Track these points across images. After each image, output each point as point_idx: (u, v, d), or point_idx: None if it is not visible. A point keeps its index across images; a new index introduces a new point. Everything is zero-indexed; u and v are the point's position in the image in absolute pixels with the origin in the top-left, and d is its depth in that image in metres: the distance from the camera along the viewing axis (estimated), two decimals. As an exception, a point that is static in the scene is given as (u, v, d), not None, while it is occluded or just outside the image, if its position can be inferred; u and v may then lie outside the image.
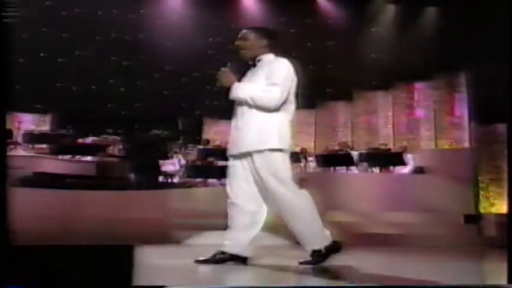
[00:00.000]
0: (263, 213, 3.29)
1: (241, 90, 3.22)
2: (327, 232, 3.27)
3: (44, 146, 8.17)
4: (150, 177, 6.97)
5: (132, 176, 6.91)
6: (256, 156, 3.15)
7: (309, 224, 3.21)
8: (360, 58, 12.16)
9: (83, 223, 5.32)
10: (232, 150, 3.31)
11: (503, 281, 2.26)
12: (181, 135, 11.63)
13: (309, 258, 3.18)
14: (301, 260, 3.20)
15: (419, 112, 11.25)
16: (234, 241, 3.23)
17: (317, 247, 3.19)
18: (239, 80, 3.31)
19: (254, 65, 3.35)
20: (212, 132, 12.11)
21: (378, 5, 12.27)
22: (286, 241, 4.27)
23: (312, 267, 3.13)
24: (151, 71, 12.49)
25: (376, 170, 7.84)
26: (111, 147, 8.47)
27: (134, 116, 11.66)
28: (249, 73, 3.36)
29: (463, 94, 10.02)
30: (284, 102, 3.20)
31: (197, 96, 12.38)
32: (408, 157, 7.25)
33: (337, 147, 10.03)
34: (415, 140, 10.85)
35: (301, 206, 3.21)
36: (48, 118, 11.44)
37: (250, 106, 3.18)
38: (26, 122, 11.17)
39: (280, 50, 3.42)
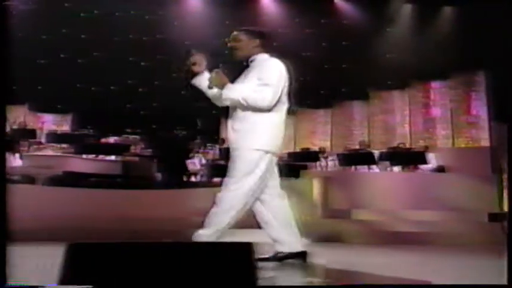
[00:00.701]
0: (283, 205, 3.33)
1: (233, 91, 3.20)
2: (299, 239, 3.29)
3: (66, 145, 8.31)
4: (176, 176, 7.06)
5: (159, 175, 7.02)
6: (240, 154, 3.18)
7: (284, 225, 3.24)
8: (375, 57, 12.21)
9: (112, 221, 5.41)
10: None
11: (504, 280, 2.27)
12: (200, 134, 11.76)
13: (269, 255, 3.23)
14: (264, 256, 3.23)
15: (436, 111, 11.29)
16: (283, 240, 3.25)
17: (284, 249, 3.23)
18: (232, 81, 3.30)
19: (247, 66, 3.33)
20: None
21: (394, 5, 12.31)
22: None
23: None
24: (169, 71, 12.62)
25: (396, 169, 7.91)
26: (133, 147, 8.58)
27: (152, 116, 11.80)
28: (243, 74, 3.33)
29: (480, 93, 10.05)
30: (277, 103, 3.21)
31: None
32: (430, 156, 7.30)
33: (355, 147, 10.10)
34: (431, 138, 10.90)
35: (279, 208, 3.26)
36: (68, 118, 11.61)
37: (243, 107, 3.18)
38: (47, 122, 11.34)
39: (273, 50, 3.43)
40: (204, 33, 12.65)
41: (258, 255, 3.11)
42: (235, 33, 3.37)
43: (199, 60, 3.32)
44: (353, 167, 7.45)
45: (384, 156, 7.35)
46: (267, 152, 3.19)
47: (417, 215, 6.03)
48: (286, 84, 3.29)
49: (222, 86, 3.22)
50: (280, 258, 3.22)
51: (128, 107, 12.17)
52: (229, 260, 1.59)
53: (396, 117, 11.49)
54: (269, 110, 3.17)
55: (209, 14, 12.72)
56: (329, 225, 5.72)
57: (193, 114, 12.08)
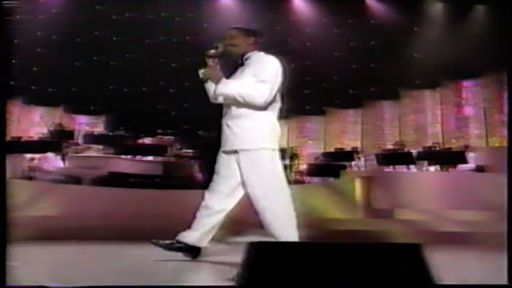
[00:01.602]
0: (225, 213, 3.35)
1: (228, 86, 3.21)
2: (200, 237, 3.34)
3: (101, 146, 8.45)
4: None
5: (200, 175, 7.11)
6: (242, 155, 3.18)
7: (286, 221, 3.23)
8: (405, 57, 12.14)
9: (159, 221, 5.51)
10: (224, 147, 3.33)
11: (504, 280, 2.27)
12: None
13: (165, 242, 3.32)
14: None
15: (469, 110, 11.23)
16: (192, 232, 3.32)
17: (183, 240, 3.32)
18: (228, 78, 3.33)
19: (242, 63, 3.35)
20: (259, 132, 12.30)
21: (425, 3, 12.24)
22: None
23: None
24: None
25: (432, 168, 7.89)
26: (169, 148, 8.70)
27: (184, 117, 11.91)
28: (238, 70, 3.36)
29: (513, 92, 9.96)
30: (272, 100, 3.25)
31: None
32: (470, 155, 7.28)
33: (387, 146, 10.10)
34: (464, 138, 10.84)
35: (279, 203, 3.23)
36: (102, 120, 11.83)
37: (238, 104, 3.19)
38: (82, 124, 11.56)
39: (266, 48, 3.47)
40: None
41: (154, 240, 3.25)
42: (231, 29, 3.42)
43: (217, 53, 3.34)
44: (391, 167, 7.47)
45: (422, 156, 7.35)
46: (273, 150, 3.25)
47: (460, 214, 6.02)
48: (281, 82, 3.31)
49: (216, 80, 3.26)
50: (173, 248, 3.32)
51: (159, 108, 12.31)
52: (399, 261, 1.61)
53: (427, 116, 11.46)
54: (265, 107, 3.21)
55: (238, 15, 12.79)
56: (373, 225, 5.74)
57: (222, 115, 12.20)
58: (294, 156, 9.76)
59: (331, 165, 7.39)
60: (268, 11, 12.61)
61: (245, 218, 3.98)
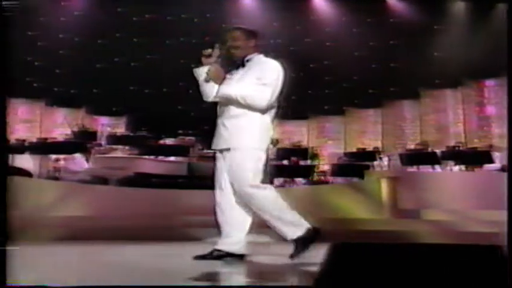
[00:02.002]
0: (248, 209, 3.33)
1: (232, 88, 3.25)
2: (303, 221, 3.33)
3: (122, 147, 8.52)
4: None
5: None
6: (233, 152, 3.23)
7: (279, 215, 3.27)
8: (426, 56, 12.07)
9: (188, 221, 5.54)
10: (217, 145, 3.37)
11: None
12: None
13: (294, 250, 3.25)
14: (291, 254, 3.26)
15: (491, 109, 11.12)
16: (229, 239, 3.30)
17: (294, 235, 3.26)
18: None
19: (243, 65, 3.37)
20: (279, 132, 12.30)
21: (446, 2, 12.16)
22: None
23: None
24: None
25: (456, 168, 7.84)
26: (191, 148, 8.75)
27: (203, 117, 11.96)
28: (238, 72, 3.37)
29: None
30: (271, 104, 3.27)
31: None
32: (496, 155, 7.22)
33: (409, 146, 10.05)
34: (486, 137, 10.74)
35: (266, 200, 3.27)
36: (123, 120, 11.95)
37: (238, 105, 3.23)
38: (103, 125, 11.69)
39: (266, 51, 3.47)
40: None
41: (195, 254, 3.26)
42: (233, 31, 3.42)
43: (214, 54, 3.36)
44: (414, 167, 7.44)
45: (446, 156, 7.30)
46: (261, 150, 3.27)
47: (487, 215, 5.97)
48: (282, 84, 3.32)
49: (218, 81, 3.29)
50: (217, 257, 3.28)
51: (179, 109, 12.39)
52: (476, 262, 1.61)
53: (449, 116, 11.38)
54: (264, 110, 3.24)
55: (257, 16, 12.82)
56: (400, 225, 5.72)
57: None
58: (314, 156, 9.76)
59: (355, 165, 7.38)
60: (287, 10, 12.64)
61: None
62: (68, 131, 10.00)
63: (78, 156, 7.41)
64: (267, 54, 3.42)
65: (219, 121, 3.37)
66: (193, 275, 2.95)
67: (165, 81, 12.46)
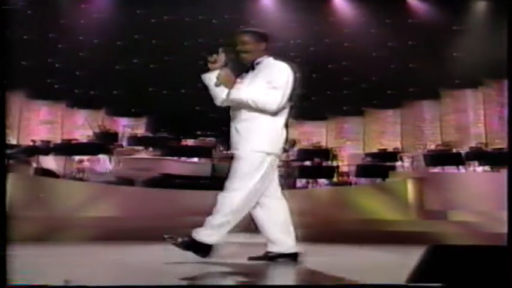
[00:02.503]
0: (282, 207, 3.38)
1: (243, 92, 3.26)
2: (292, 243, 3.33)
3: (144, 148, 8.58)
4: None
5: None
6: (241, 153, 3.24)
7: (282, 226, 3.30)
8: (445, 56, 11.99)
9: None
10: (232, 149, 3.40)
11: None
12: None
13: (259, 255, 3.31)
14: (251, 256, 3.31)
15: (512, 110, 11.01)
16: (278, 241, 3.32)
17: (276, 251, 3.29)
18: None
19: (252, 67, 3.37)
20: (297, 133, 12.30)
21: (465, 2, 12.07)
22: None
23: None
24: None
25: (479, 169, 7.79)
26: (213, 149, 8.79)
27: (221, 118, 12.00)
28: (248, 75, 3.38)
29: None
30: (282, 107, 3.28)
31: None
32: (521, 156, 7.14)
33: (430, 147, 10.00)
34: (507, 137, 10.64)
35: (277, 209, 3.32)
36: (142, 122, 12.03)
37: (249, 108, 3.24)
38: (123, 126, 11.77)
39: (275, 53, 3.45)
40: (274, 36, 12.77)
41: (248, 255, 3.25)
42: (243, 34, 3.41)
43: (219, 60, 3.40)
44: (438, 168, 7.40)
45: (470, 156, 7.26)
46: (268, 154, 3.25)
47: (515, 216, 5.93)
48: (292, 87, 3.32)
49: (229, 85, 3.31)
50: (271, 258, 3.30)
51: (198, 110, 12.44)
52: None
53: (469, 116, 11.30)
54: (274, 113, 3.24)
55: (276, 16, 12.84)
56: (427, 227, 5.70)
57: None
58: (334, 157, 9.75)
59: (380, 166, 7.37)
60: (306, 11, 12.63)
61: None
62: (89, 132, 10.10)
63: (102, 157, 7.48)
64: (276, 57, 3.42)
65: (232, 125, 3.41)
66: (219, 275, 2.98)
67: (183, 83, 12.51)
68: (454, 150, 7.73)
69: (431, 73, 11.77)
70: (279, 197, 3.40)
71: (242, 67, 3.47)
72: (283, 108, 3.30)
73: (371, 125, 12.40)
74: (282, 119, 3.31)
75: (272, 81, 3.24)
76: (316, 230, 5.31)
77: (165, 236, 3.36)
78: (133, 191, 6.21)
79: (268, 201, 3.33)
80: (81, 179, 7.74)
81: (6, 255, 2.09)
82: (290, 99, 3.34)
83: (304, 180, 7.75)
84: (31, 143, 8.62)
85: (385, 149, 9.58)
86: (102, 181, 6.75)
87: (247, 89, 3.27)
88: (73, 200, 5.73)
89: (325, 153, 8.40)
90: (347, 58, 12.69)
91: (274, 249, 3.33)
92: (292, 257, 3.31)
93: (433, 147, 9.76)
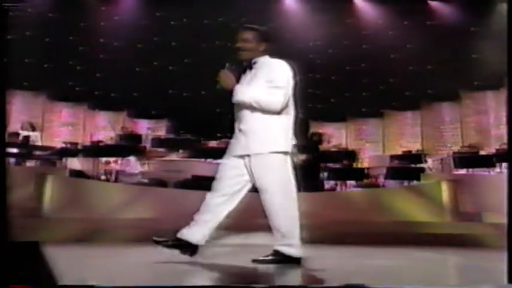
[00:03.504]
0: (223, 214, 3.37)
1: (244, 93, 3.25)
2: (299, 245, 3.30)
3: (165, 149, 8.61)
4: (312, 180, 7.20)
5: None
6: (254, 159, 3.21)
7: (292, 225, 3.27)
8: (465, 58, 11.97)
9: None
10: (235, 151, 3.33)
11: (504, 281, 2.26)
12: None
13: (266, 257, 3.26)
14: (256, 258, 3.27)
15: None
16: (285, 243, 3.28)
17: (286, 251, 3.25)
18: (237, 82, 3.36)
19: (250, 67, 3.36)
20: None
21: (485, 3, 12.06)
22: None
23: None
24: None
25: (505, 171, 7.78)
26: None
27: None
28: (246, 75, 3.37)
29: None
30: (285, 105, 3.26)
31: (300, 99, 12.64)
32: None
33: (451, 148, 9.99)
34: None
35: (288, 208, 3.27)
36: (163, 124, 12.08)
37: (253, 109, 3.22)
38: (143, 128, 11.83)
39: (275, 53, 3.42)
40: (288, 38, 12.82)
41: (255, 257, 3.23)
42: (246, 32, 3.38)
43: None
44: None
45: (498, 158, 7.25)
46: (286, 154, 3.25)
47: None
48: (292, 85, 3.31)
49: (229, 87, 3.32)
50: (276, 261, 3.27)
51: (217, 112, 12.47)
52: None
53: (490, 118, 11.28)
54: (279, 112, 3.23)
55: (295, 18, 12.88)
56: (462, 229, 5.71)
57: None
58: (356, 159, 9.76)
59: (411, 168, 7.38)
60: (325, 13, 12.64)
61: (250, 221, 4.05)
62: (112, 134, 10.17)
63: (132, 159, 7.53)
64: (272, 55, 3.39)
65: (236, 126, 3.37)
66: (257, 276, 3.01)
67: (202, 85, 12.55)
68: (482, 152, 7.72)
69: (451, 75, 11.76)
70: (293, 197, 3.33)
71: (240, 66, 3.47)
72: (287, 106, 3.29)
73: (390, 126, 12.40)
74: (288, 117, 3.31)
75: (273, 80, 3.22)
76: (353, 232, 5.35)
77: (155, 239, 3.41)
78: (169, 192, 6.24)
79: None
80: (108, 181, 7.80)
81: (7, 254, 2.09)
82: (294, 96, 3.35)
83: (331, 182, 7.76)
84: (63, 145, 8.68)
85: (410, 151, 9.58)
86: (134, 183, 6.79)
87: (250, 90, 3.25)
88: (111, 202, 5.78)
89: (352, 155, 8.41)
90: (365, 60, 12.71)
91: (282, 249, 3.28)
92: (296, 262, 3.28)
93: (453, 149, 9.75)
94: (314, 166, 7.05)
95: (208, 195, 3.37)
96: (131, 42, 12.28)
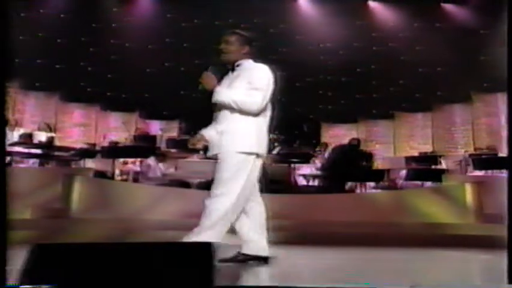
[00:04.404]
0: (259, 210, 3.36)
1: (224, 94, 3.32)
2: (266, 246, 3.34)
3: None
4: (340, 181, 7.25)
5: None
6: (224, 156, 3.26)
7: (257, 229, 3.30)
8: (475, 60, 12.02)
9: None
10: (212, 152, 3.39)
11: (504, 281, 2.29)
12: (298, 139, 11.97)
13: (229, 256, 3.29)
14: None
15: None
16: (252, 242, 3.32)
17: (249, 252, 3.29)
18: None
19: (232, 69, 3.44)
20: (328, 136, 12.37)
21: (495, 5, 12.10)
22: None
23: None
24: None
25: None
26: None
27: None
28: (228, 77, 3.44)
29: None
30: (263, 108, 3.32)
31: (311, 101, 12.71)
32: None
33: (462, 150, 10.03)
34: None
35: (254, 211, 3.30)
36: (174, 124, 12.10)
37: (232, 110, 3.28)
38: (155, 129, 11.84)
39: (257, 56, 3.50)
40: (300, 39, 12.88)
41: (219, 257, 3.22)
42: (229, 36, 3.49)
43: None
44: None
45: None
46: (250, 154, 3.27)
47: None
48: (272, 89, 3.36)
49: (210, 87, 3.38)
50: (241, 260, 3.30)
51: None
52: None
53: (502, 119, 11.33)
54: (257, 114, 3.28)
55: (306, 20, 12.92)
56: (486, 230, 5.73)
57: (291, 119, 12.34)
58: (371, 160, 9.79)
59: (432, 169, 7.43)
60: (334, 15, 12.69)
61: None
62: (126, 135, 10.19)
63: (152, 160, 7.55)
64: (256, 60, 3.46)
65: (213, 126, 3.45)
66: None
67: (213, 86, 12.58)
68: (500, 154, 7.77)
69: (461, 77, 11.82)
70: (260, 202, 3.38)
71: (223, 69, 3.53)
72: (265, 110, 3.35)
73: (401, 128, 12.45)
74: (264, 120, 3.36)
75: (253, 82, 3.29)
76: (379, 233, 5.40)
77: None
78: (194, 193, 6.26)
79: (249, 205, 3.32)
80: (125, 181, 7.83)
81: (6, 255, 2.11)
82: (272, 100, 3.40)
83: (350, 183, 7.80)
84: (85, 146, 8.70)
85: (425, 153, 9.62)
86: (157, 184, 6.81)
87: (229, 91, 3.32)
88: (137, 203, 5.80)
89: (367, 157, 8.44)
90: (375, 62, 12.76)
91: (248, 250, 3.33)
92: (264, 260, 3.32)
93: (465, 150, 9.80)
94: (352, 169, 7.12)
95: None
96: (142, 43, 12.29)
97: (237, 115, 3.28)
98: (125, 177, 8.18)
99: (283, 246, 3.95)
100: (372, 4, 12.95)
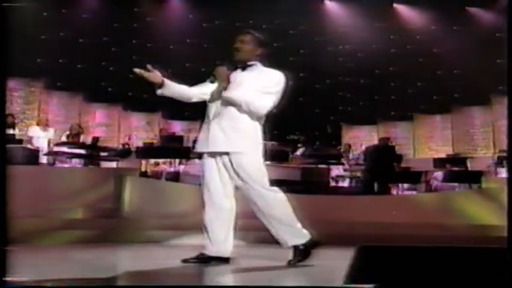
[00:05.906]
0: (234, 211, 3.33)
1: (238, 93, 3.28)
2: (304, 231, 3.28)
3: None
4: (380, 183, 7.31)
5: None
6: (236, 157, 3.22)
7: (283, 221, 3.24)
8: (493, 62, 12.12)
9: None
10: (210, 147, 3.31)
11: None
12: (318, 140, 12.05)
13: (294, 257, 3.24)
14: (289, 260, 3.24)
15: None
16: (215, 242, 3.27)
17: (294, 243, 3.25)
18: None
19: (243, 68, 3.42)
20: (348, 137, 12.46)
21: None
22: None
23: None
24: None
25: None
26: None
27: (272, 122, 12.12)
28: (238, 75, 3.41)
29: None
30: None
31: (330, 102, 12.80)
32: None
33: (481, 151, 10.11)
34: None
35: (274, 204, 3.23)
36: (197, 125, 12.11)
37: (239, 109, 3.25)
38: (177, 129, 11.88)
39: (270, 60, 3.51)
40: (319, 42, 12.95)
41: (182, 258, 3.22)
42: (246, 35, 3.48)
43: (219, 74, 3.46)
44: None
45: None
46: (261, 155, 3.31)
47: None
48: (281, 95, 3.37)
49: (224, 83, 3.36)
50: (205, 260, 3.25)
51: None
52: None
53: (522, 122, 11.44)
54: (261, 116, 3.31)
55: (326, 23, 13.00)
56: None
57: (310, 120, 12.42)
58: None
59: (470, 171, 7.50)
60: (354, 18, 12.78)
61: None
62: (151, 135, 10.22)
63: (197, 161, 7.58)
64: (265, 64, 3.48)
65: (213, 122, 3.36)
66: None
67: (234, 86, 12.64)
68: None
69: (479, 79, 11.92)
70: (232, 199, 3.33)
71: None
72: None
73: (420, 129, 12.56)
74: (261, 121, 3.36)
75: (267, 86, 3.30)
76: (424, 235, 5.45)
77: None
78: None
79: (222, 202, 3.28)
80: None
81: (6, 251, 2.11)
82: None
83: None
84: (126, 146, 8.73)
85: (454, 154, 9.71)
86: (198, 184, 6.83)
87: (242, 92, 3.29)
88: (187, 203, 5.83)
89: (398, 158, 8.51)
90: (394, 64, 12.86)
91: (212, 250, 3.28)
92: (225, 261, 3.29)
93: (492, 152, 9.88)
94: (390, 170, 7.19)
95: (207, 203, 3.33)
96: (163, 43, 12.34)
97: (240, 114, 3.26)
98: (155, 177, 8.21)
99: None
100: (397, 7, 13.03)
